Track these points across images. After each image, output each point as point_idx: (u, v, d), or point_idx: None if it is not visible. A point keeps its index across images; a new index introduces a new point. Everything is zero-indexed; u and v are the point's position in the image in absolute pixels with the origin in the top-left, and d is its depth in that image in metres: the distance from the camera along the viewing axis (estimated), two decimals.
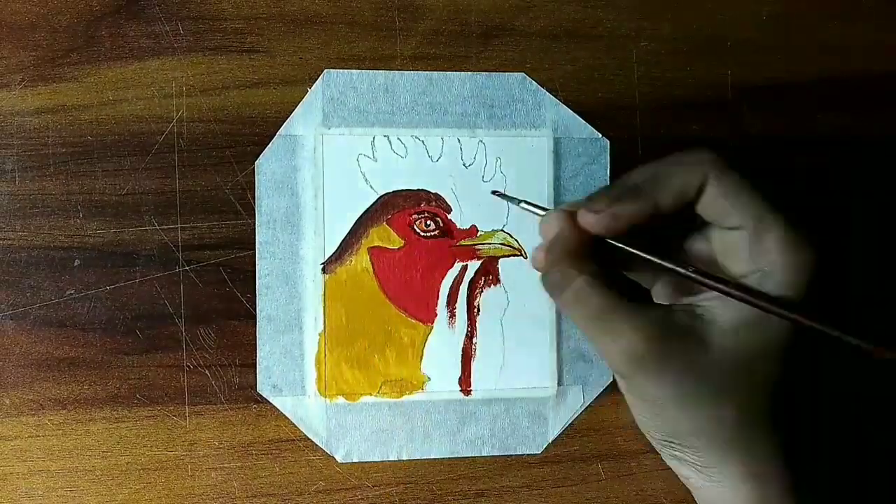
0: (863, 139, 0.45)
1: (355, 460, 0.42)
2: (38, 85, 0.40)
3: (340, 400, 0.42)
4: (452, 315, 0.42)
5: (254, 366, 0.41)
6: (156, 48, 0.41)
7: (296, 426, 0.41)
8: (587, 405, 0.43)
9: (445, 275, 0.42)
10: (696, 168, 0.35)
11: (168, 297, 0.41)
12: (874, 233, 0.45)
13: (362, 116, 0.42)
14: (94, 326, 0.40)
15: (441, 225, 0.42)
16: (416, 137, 0.42)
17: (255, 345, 0.41)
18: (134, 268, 0.41)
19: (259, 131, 0.41)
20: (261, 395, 0.41)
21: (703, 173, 0.35)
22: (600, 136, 0.43)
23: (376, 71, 0.42)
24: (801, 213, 0.34)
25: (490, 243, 0.42)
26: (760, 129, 0.45)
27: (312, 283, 0.41)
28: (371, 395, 0.42)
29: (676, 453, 0.37)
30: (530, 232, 0.42)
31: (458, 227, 0.42)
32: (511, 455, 0.43)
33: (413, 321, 0.42)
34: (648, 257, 0.35)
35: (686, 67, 0.44)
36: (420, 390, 0.42)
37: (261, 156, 0.41)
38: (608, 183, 0.43)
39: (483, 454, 0.43)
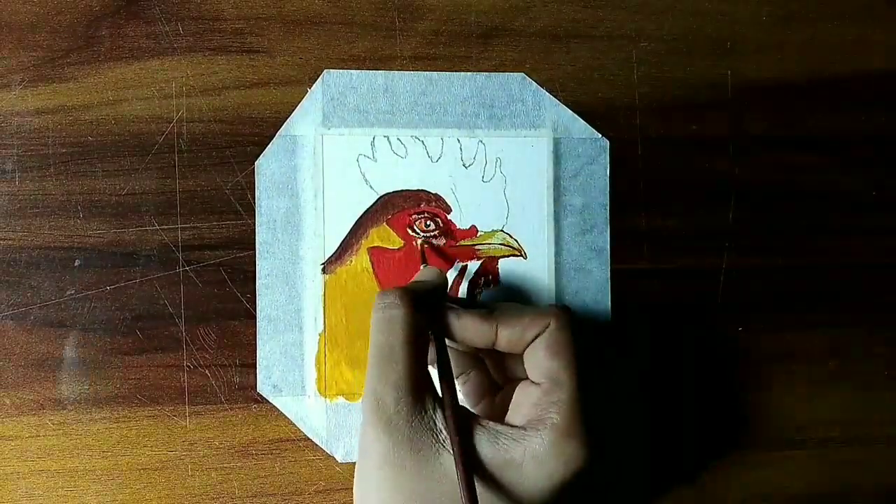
0: (863, 139, 0.45)
1: (355, 460, 0.42)
2: (38, 85, 0.40)
3: (340, 400, 0.42)
4: None
5: (254, 366, 0.41)
6: (156, 48, 0.41)
7: (296, 426, 0.41)
8: None
9: None
10: (543, 319, 0.36)
11: (168, 297, 0.41)
12: None
13: (362, 116, 0.42)
14: (94, 326, 0.40)
15: (441, 225, 0.42)
16: (416, 137, 0.42)
17: (255, 345, 0.41)
18: (134, 268, 0.41)
19: (259, 131, 0.41)
20: (261, 395, 0.41)
21: (544, 326, 0.35)
22: (600, 136, 0.43)
23: (376, 71, 0.42)
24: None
25: (490, 243, 0.42)
26: (760, 129, 0.45)
27: (312, 283, 0.41)
28: None
29: None
30: (530, 232, 0.42)
31: (458, 227, 0.42)
32: None
33: None
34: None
35: (686, 67, 0.44)
36: None
37: (261, 156, 0.41)
38: (607, 183, 0.43)
39: None
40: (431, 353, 0.36)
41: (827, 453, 0.45)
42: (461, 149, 0.42)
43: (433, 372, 0.36)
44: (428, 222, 0.42)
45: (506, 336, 0.36)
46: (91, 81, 0.41)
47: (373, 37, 0.42)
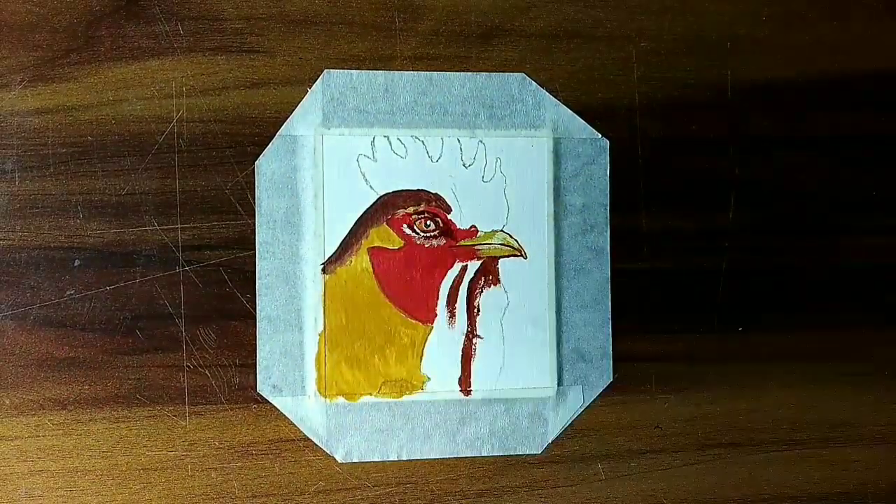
0: (863, 139, 0.45)
1: (355, 460, 0.42)
2: (38, 85, 0.40)
3: (340, 400, 0.42)
4: (452, 315, 0.42)
5: (254, 366, 0.41)
6: (156, 48, 0.41)
7: (296, 426, 0.41)
8: (587, 405, 0.43)
9: (445, 275, 0.42)
10: None
11: (168, 297, 0.41)
12: None
13: (362, 117, 0.42)
14: (94, 326, 0.40)
15: (441, 225, 0.42)
16: (416, 138, 0.42)
17: (255, 345, 0.41)
18: (134, 268, 0.41)
19: (259, 131, 0.41)
20: (261, 395, 0.41)
21: None
22: (600, 136, 0.43)
23: (376, 71, 0.42)
24: None
25: (490, 243, 0.42)
26: (760, 129, 0.45)
27: (312, 284, 0.41)
28: (371, 395, 0.42)
29: None
30: (530, 232, 0.42)
31: (458, 227, 0.42)
32: (511, 455, 0.43)
33: (413, 321, 0.42)
34: None
35: (686, 67, 0.44)
36: (420, 390, 0.42)
37: (261, 156, 0.41)
38: (607, 183, 0.43)
39: (483, 454, 0.43)
40: None
41: (827, 453, 0.45)
42: (461, 149, 0.42)
43: None
44: (428, 222, 0.42)
45: None
46: (91, 81, 0.41)
47: (373, 37, 0.42)
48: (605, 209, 0.43)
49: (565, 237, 0.43)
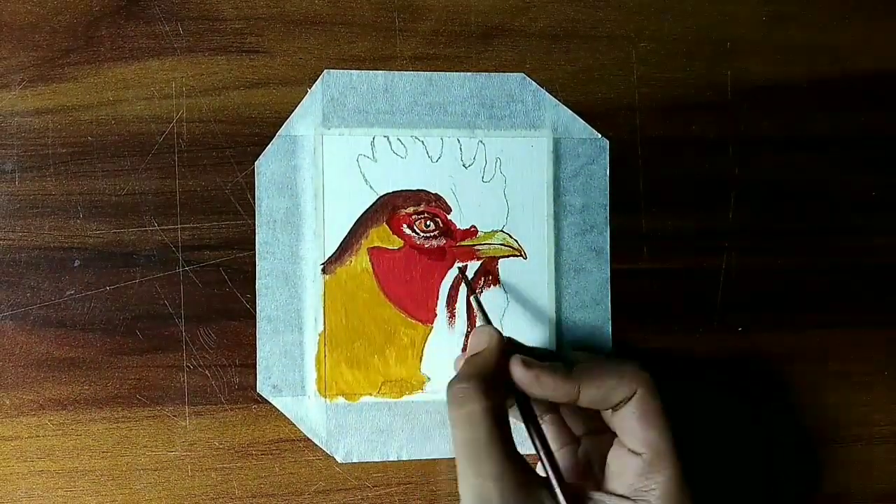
0: (863, 139, 0.45)
1: (355, 460, 0.42)
2: (38, 85, 0.40)
3: (340, 400, 0.42)
4: (452, 315, 0.42)
5: (254, 366, 0.41)
6: (156, 48, 0.41)
7: (296, 426, 0.41)
8: None
9: (445, 275, 0.42)
10: (630, 384, 0.36)
11: (168, 297, 0.41)
12: None
13: (362, 117, 0.42)
14: (94, 326, 0.40)
15: (441, 225, 0.42)
16: (416, 138, 0.42)
17: (255, 345, 0.41)
18: (134, 268, 0.41)
19: (259, 131, 0.41)
20: (261, 396, 0.41)
21: (632, 391, 0.36)
22: (600, 136, 0.43)
23: (376, 71, 0.42)
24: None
25: (490, 244, 0.42)
26: (760, 129, 0.45)
27: (312, 284, 0.41)
28: (371, 395, 0.42)
29: None
30: (530, 232, 0.42)
31: (458, 227, 0.42)
32: None
33: (413, 321, 0.42)
34: (537, 445, 0.36)
35: (686, 67, 0.44)
36: (420, 390, 0.42)
37: (261, 156, 0.41)
38: (607, 183, 0.43)
39: None
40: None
41: (827, 453, 0.45)
42: (461, 149, 0.42)
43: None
44: (428, 222, 0.42)
45: (589, 396, 0.36)
46: (91, 81, 0.41)
47: (373, 37, 0.42)
48: (605, 209, 0.43)
49: (565, 237, 0.43)
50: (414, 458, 0.42)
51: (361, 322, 0.42)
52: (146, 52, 0.41)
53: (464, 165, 0.42)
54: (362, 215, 0.42)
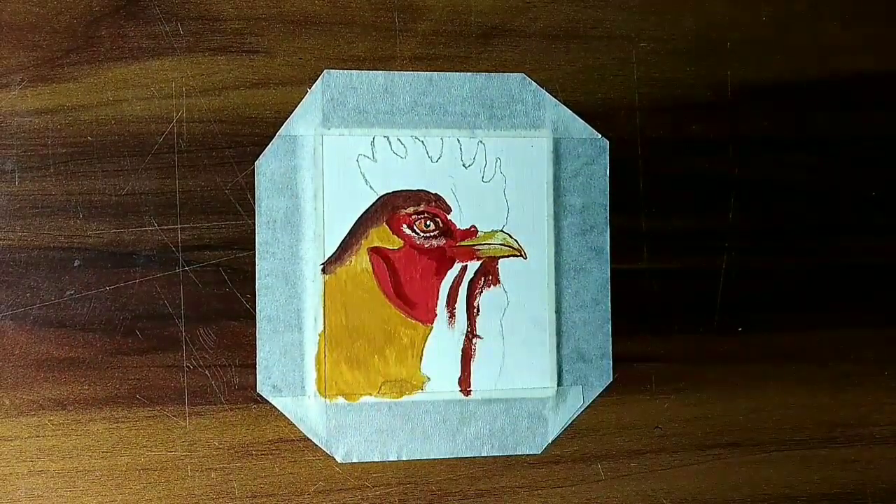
0: (863, 139, 0.45)
1: (355, 460, 0.42)
2: (38, 85, 0.40)
3: (340, 400, 0.42)
4: (452, 315, 0.42)
5: (254, 366, 0.41)
6: (156, 48, 0.41)
7: (295, 426, 0.41)
8: (587, 405, 0.43)
9: (445, 275, 0.42)
10: None
11: (168, 297, 0.41)
12: None
13: (362, 117, 0.42)
14: (93, 326, 0.40)
15: (441, 225, 0.42)
16: (416, 138, 0.42)
17: (254, 345, 0.41)
18: (134, 268, 0.41)
19: (259, 131, 0.41)
20: (261, 396, 0.41)
21: None
22: (600, 136, 0.43)
23: (376, 71, 0.42)
24: None
25: (490, 244, 0.42)
26: (760, 129, 0.45)
27: (312, 284, 0.41)
28: (371, 395, 0.42)
29: None
30: (530, 232, 0.42)
31: (458, 227, 0.42)
32: (511, 455, 0.43)
33: (413, 321, 0.42)
34: None
35: (686, 67, 0.44)
36: (420, 390, 0.42)
37: (261, 156, 0.41)
38: (607, 183, 0.43)
39: (483, 454, 0.43)
40: None
41: (827, 453, 0.45)
42: (461, 149, 0.42)
43: None
44: (428, 222, 0.42)
45: None
46: (91, 81, 0.41)
47: (373, 37, 0.42)
48: (605, 209, 0.43)
49: (565, 237, 0.43)
50: (414, 458, 0.42)
51: (361, 322, 0.42)
52: (146, 52, 0.41)
53: (464, 165, 0.42)
54: (362, 215, 0.42)
